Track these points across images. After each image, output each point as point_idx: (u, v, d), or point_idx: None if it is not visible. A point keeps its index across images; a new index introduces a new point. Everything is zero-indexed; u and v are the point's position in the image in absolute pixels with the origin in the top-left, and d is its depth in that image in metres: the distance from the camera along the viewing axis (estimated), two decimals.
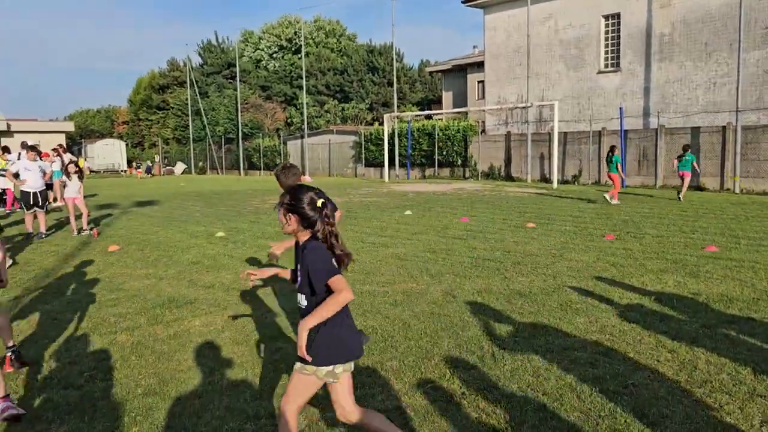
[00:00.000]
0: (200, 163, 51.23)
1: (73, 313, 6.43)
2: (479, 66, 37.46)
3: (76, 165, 12.90)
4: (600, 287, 7.00)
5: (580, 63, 28.55)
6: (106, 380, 4.54)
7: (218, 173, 48.57)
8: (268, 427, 3.73)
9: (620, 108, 25.10)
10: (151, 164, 51.83)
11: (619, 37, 27.15)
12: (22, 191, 11.99)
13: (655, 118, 25.36)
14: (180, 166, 52.62)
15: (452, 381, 4.37)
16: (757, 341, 5.04)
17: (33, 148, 12.98)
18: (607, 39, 27.77)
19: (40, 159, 13.39)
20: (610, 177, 17.37)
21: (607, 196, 16.47)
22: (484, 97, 34.29)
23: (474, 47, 45.30)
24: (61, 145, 22.19)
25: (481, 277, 7.65)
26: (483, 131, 31.92)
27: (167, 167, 53.70)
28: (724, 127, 21.76)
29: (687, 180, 17.64)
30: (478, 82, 39.45)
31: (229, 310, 6.34)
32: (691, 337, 5.18)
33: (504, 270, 8.01)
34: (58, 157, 18.88)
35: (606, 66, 27.88)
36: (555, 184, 24.05)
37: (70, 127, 53.49)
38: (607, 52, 27.84)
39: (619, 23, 27.13)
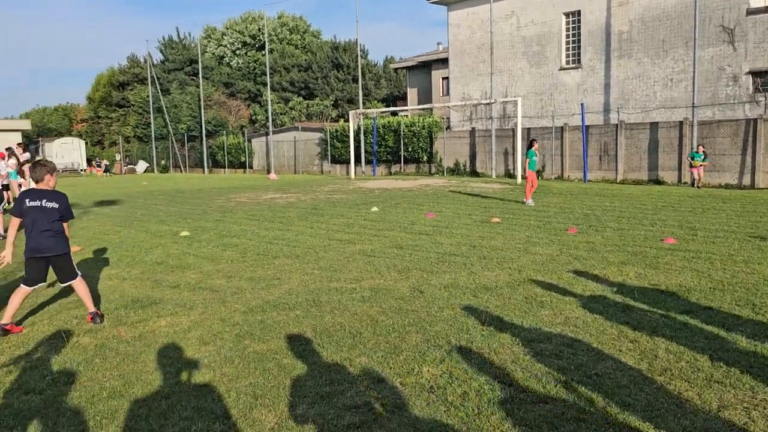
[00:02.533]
0: (163, 162, 50.37)
1: (32, 317, 6.28)
2: (443, 62, 37.67)
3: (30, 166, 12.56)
4: (564, 280, 7.13)
5: (543, 60, 28.94)
6: (69, 384, 4.45)
7: (182, 171, 47.84)
8: (237, 427, 3.71)
9: (581, 104, 25.53)
10: (108, 163, 50.72)
11: (579, 34, 27.60)
12: None
13: (615, 113, 25.87)
14: (142, 165, 51.65)
15: (420, 375, 4.41)
16: (714, 329, 5.21)
17: None
18: (568, 36, 28.21)
19: None
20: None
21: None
22: (448, 94, 34.52)
23: (438, 44, 45.56)
24: (20, 144, 21.56)
25: (447, 272, 7.72)
26: (448, 127, 32.13)
27: (129, 166, 52.66)
28: (681, 123, 22.32)
29: (700, 172, 20.06)
30: (443, 78, 39.67)
31: (196, 310, 6.27)
32: (651, 326, 5.32)
33: (470, 265, 8.10)
34: (13, 157, 18.33)
35: (567, 63, 28.32)
36: (519, 180, 24.35)
37: (26, 125, 51.91)
38: (568, 49, 28.28)
39: (579, 21, 27.58)
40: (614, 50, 26.34)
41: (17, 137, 43.12)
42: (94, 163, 54.13)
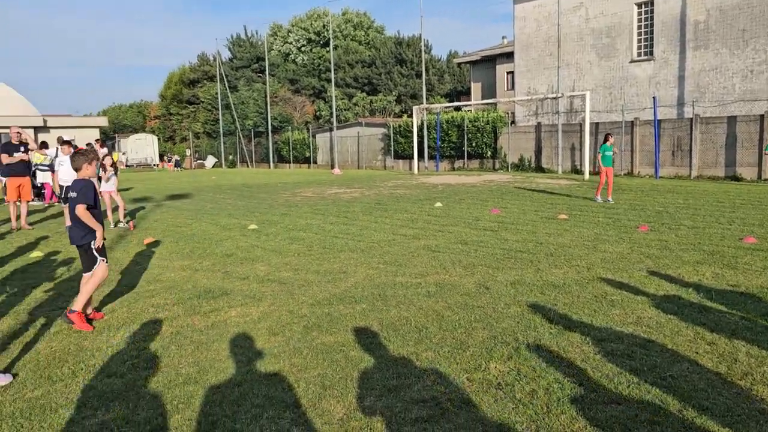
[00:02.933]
0: (230, 157, 51.76)
1: (112, 304, 6.59)
2: (508, 56, 37.09)
3: (111, 159, 13.14)
4: (635, 279, 6.92)
5: (612, 52, 28.09)
6: (147, 369, 4.65)
7: (248, 166, 49.04)
8: (306, 416, 3.79)
9: (653, 97, 24.65)
10: (179, 158, 52.50)
11: (652, 25, 26.63)
12: (59, 185, 12.28)
13: (689, 107, 24.86)
14: (211, 160, 53.23)
15: (487, 371, 4.38)
16: None
17: (68, 143, 13.27)
18: (639, 27, 27.27)
19: None
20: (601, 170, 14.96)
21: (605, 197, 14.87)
22: (513, 88, 33.98)
23: (503, 38, 44.84)
24: (98, 140, 22.61)
25: (513, 268, 7.62)
26: (513, 122, 31.66)
27: (198, 161, 54.38)
28: (762, 116, 21.22)
29: None
30: (508, 72, 39.07)
31: (265, 302, 6.43)
32: (730, 329, 5.10)
33: (537, 262, 7.97)
34: None
35: (639, 55, 27.39)
36: (587, 175, 23.75)
37: (103, 122, 54.33)
38: (639, 41, 27.34)
39: (652, 11, 26.61)
40: (689, 41, 25.29)
41: (95, 133, 45.24)
42: (165, 158, 56.18)
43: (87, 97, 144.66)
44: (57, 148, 15.10)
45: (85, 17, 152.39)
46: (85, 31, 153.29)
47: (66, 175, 12.31)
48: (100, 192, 14.37)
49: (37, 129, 43.22)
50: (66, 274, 8.11)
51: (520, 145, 29.61)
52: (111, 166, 12.68)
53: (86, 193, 5.76)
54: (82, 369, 4.70)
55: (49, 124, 45.33)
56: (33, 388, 4.35)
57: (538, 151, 28.83)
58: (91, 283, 5.82)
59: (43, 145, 18.16)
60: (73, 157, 5.95)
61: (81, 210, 5.72)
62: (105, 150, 21.00)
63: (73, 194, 5.80)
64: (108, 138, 59.86)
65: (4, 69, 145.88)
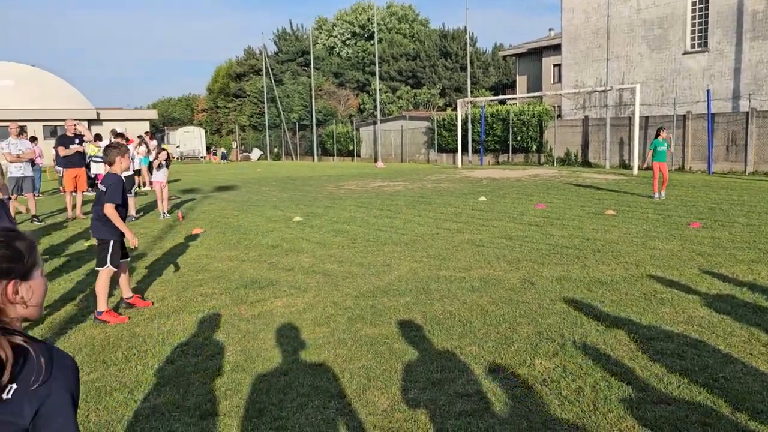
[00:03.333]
0: (275, 150, 52.42)
1: (162, 291, 6.77)
2: (555, 49, 36.48)
3: (166, 151, 13.45)
4: (686, 277, 6.74)
5: (664, 44, 27.32)
6: (196, 356, 4.77)
7: (292, 159, 49.58)
8: (351, 407, 3.83)
9: (707, 90, 23.88)
10: (225, 151, 53.42)
11: (707, 15, 25.77)
12: None
13: (745, 100, 23.99)
14: (256, 153, 54.01)
15: (533, 367, 4.35)
16: None
17: (121, 135, 13.66)
18: (693, 18, 26.43)
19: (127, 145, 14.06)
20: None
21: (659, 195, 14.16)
22: (560, 81, 33.41)
23: (550, 30, 44.10)
24: (147, 132, 23.20)
25: (559, 264, 7.52)
26: (559, 116, 31.14)
27: (244, 153, 55.24)
28: None
29: None
30: (554, 65, 38.44)
31: (310, 293, 6.51)
32: None
33: (583, 258, 7.84)
34: (143, 144, 19.76)
35: (692, 46, 26.55)
36: (635, 171, 23.20)
37: (153, 115, 55.73)
38: (693, 32, 26.50)
39: (707, 1, 25.74)
40: (746, 32, 24.38)
41: (145, 126, 46.42)
42: (212, 150, 57.27)
43: (137, 91, 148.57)
44: (110, 140, 15.54)
45: (136, 13, 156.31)
46: (137, 26, 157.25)
47: None
48: (151, 182, 14.80)
49: (90, 122, 44.61)
50: None
51: (566, 139, 29.10)
52: (165, 160, 12.98)
53: (115, 190, 5.74)
54: (134, 354, 4.85)
55: (101, 117, 46.73)
56: (89, 372, 4.51)
57: (585, 146, 28.29)
58: (98, 285, 5.75)
59: (97, 137, 18.72)
60: (105, 151, 5.93)
61: (110, 210, 5.69)
62: (154, 142, 21.53)
63: (102, 188, 5.79)
64: (157, 130, 61.34)
65: (60, 64, 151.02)
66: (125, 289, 6.13)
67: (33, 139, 17.28)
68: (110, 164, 5.88)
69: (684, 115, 24.36)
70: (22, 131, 13.04)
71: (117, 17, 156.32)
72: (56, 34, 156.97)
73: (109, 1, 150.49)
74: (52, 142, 19.22)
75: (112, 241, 5.81)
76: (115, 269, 5.89)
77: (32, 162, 13.40)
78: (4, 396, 1.38)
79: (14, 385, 1.39)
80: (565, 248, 8.48)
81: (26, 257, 1.50)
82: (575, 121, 29.29)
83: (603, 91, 26.86)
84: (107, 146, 6.08)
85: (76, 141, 13.22)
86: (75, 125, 13.46)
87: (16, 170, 12.25)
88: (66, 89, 50.66)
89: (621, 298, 5.97)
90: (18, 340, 1.42)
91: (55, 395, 1.42)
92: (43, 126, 42.54)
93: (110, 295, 6.00)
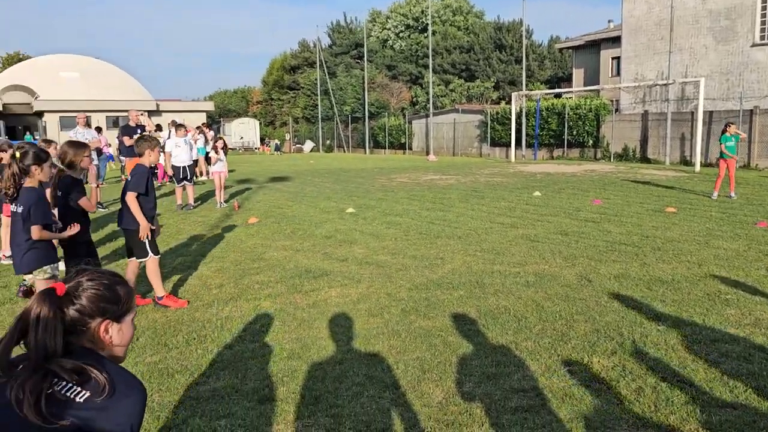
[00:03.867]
0: (327, 142, 52.88)
1: (220, 279, 6.94)
2: (614, 41, 35.51)
3: (223, 140, 13.75)
4: (753, 278, 6.48)
5: (731, 35, 26.22)
6: (254, 342, 4.87)
7: (344, 151, 49.91)
8: (405, 398, 3.85)
9: None
10: (279, 142, 54.20)
11: None
12: (172, 165, 13.02)
13: None
14: (308, 144, 54.61)
15: (590, 365, 4.27)
16: None
17: (181, 126, 14.03)
18: (764, 8, 25.26)
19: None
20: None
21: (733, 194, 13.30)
22: (619, 74, 32.52)
23: (609, 21, 42.90)
24: (204, 123, 23.76)
25: (617, 261, 7.34)
26: (617, 110, 30.32)
27: (297, 145, 55.93)
28: None
29: None
30: (613, 58, 37.41)
31: (363, 284, 6.55)
32: None
33: (642, 255, 7.63)
34: (202, 135, 20.24)
35: (762, 38, 25.40)
36: (698, 167, 22.41)
37: (210, 106, 56.99)
38: (763, 23, 25.34)
39: None
40: None
41: (202, 117, 47.50)
42: (265, 142, 58.20)
43: (195, 83, 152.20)
44: (170, 131, 15.98)
45: (195, 7, 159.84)
46: (196, 20, 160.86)
47: (179, 156, 13.03)
48: (211, 173, 15.15)
49: (150, 113, 45.92)
50: (182, 240, 8.61)
51: (624, 134, 28.32)
52: (222, 148, 13.27)
53: (140, 181, 5.74)
54: (194, 338, 4.99)
55: (161, 108, 48.04)
56: (152, 354, 4.67)
57: (644, 141, 27.47)
58: (150, 275, 5.83)
59: (158, 128, 19.29)
60: (137, 142, 5.96)
61: (130, 198, 5.68)
62: (212, 133, 22.02)
63: (129, 177, 5.82)
64: (213, 122, 62.73)
65: (122, 56, 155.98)
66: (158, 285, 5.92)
67: (98, 129, 17.92)
68: (140, 155, 5.90)
69: (751, 110, 23.35)
70: (88, 122, 13.54)
71: (177, 10, 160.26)
72: (119, 27, 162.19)
73: None
74: (114, 131, 19.92)
75: (132, 227, 5.77)
76: (158, 255, 5.92)
77: (98, 151, 13.90)
78: (78, 399, 1.47)
79: (87, 393, 1.48)
80: (624, 245, 8.27)
81: (123, 302, 1.63)
82: (634, 115, 28.47)
83: (665, 84, 25.99)
84: (138, 138, 6.10)
85: (139, 131, 13.64)
86: (138, 116, 13.89)
87: None
88: (127, 81, 52.33)
89: (683, 298, 5.79)
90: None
91: (116, 412, 1.49)
92: (106, 116, 44.05)
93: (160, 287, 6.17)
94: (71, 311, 1.55)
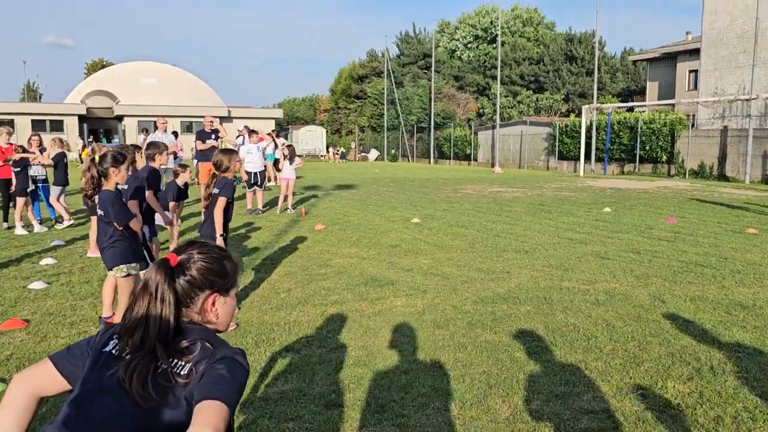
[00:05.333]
0: (392, 151, 53.16)
1: (288, 283, 7.07)
2: (692, 54, 34.30)
3: (292, 147, 14.06)
4: None
5: None
6: (321, 347, 4.94)
7: (409, 161, 50.04)
8: (472, 412, 3.81)
9: None
10: (344, 150, 54.89)
11: None
12: (245, 171, 13.39)
13: None
14: (373, 153, 55.05)
15: (665, 390, 4.11)
16: None
17: (254, 132, 14.42)
18: None
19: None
20: None
21: None
22: (696, 88, 31.39)
23: (687, 33, 41.47)
24: (274, 130, 24.32)
25: (693, 283, 7.06)
26: (693, 125, 29.21)
27: (362, 153, 56.48)
28: None
29: None
30: (690, 71, 36.16)
31: (429, 294, 6.54)
32: None
33: (721, 278, 7.31)
34: (272, 141, 20.73)
35: None
36: None
37: (279, 114, 58.36)
38: None
39: None
40: None
41: (271, 124, 48.68)
42: (331, 149, 59.07)
43: (265, 91, 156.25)
44: (244, 137, 16.44)
45: (267, 17, 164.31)
46: (269, 28, 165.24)
47: (252, 162, 13.39)
48: (280, 178, 15.50)
49: (222, 119, 47.42)
50: (251, 244, 8.84)
51: (701, 151, 27.24)
52: (291, 155, 13.55)
53: (154, 182, 6.41)
54: (263, 341, 5.10)
55: (232, 115, 49.54)
56: None
57: (722, 158, 26.33)
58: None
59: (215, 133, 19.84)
60: (148, 146, 6.46)
61: (149, 195, 6.31)
62: (282, 140, 22.52)
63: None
64: (282, 129, 64.15)
65: (197, 64, 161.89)
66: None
67: (175, 134, 18.63)
68: (150, 159, 6.42)
69: None
70: (165, 127, 14.13)
71: (251, 20, 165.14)
72: (194, 35, 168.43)
73: (246, 4, 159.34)
74: (187, 136, 20.63)
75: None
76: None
77: (174, 155, 14.45)
78: (184, 373, 1.52)
79: (194, 367, 1.53)
80: (700, 266, 7.95)
81: (230, 276, 1.69)
82: (712, 131, 27.36)
83: (747, 99, 24.89)
84: (149, 143, 6.56)
85: (212, 136, 14.10)
86: (212, 121, 14.36)
87: None
88: (201, 87, 54.24)
89: (765, 324, 5.51)
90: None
91: (222, 386, 1.49)
92: (180, 121, 45.76)
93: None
94: (182, 282, 1.60)
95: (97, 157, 5.26)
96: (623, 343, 5.02)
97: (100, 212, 5.12)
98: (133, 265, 5.25)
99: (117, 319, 5.39)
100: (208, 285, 1.63)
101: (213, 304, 1.65)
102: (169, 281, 1.57)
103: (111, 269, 5.20)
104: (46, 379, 1.62)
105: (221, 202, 5.79)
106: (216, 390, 1.45)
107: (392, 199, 16.85)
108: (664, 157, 28.67)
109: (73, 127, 44.73)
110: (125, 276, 5.17)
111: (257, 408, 3.87)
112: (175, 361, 1.52)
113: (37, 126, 42.63)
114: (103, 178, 5.18)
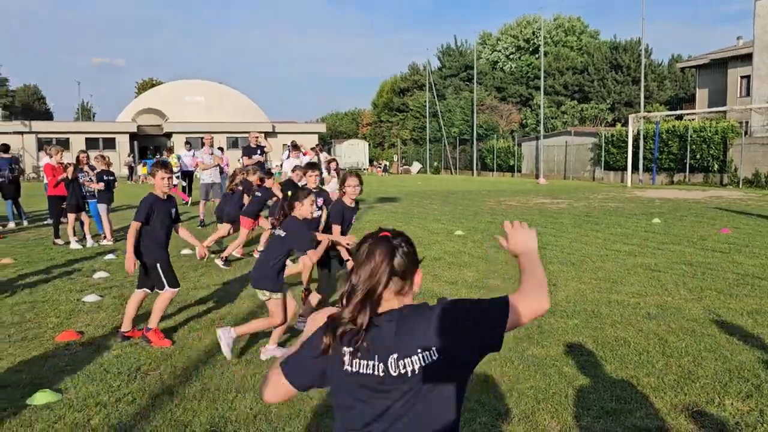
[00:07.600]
0: (435, 163, 53.06)
1: (335, 295, 7.09)
2: (743, 59, 33.32)
3: (336, 161, 14.17)
4: None
5: None
6: None
7: (452, 173, 49.86)
8: (518, 427, 3.74)
9: None
10: (387, 163, 55.07)
11: None
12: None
13: None
14: (416, 166, 55.05)
15: (722, 408, 3.96)
16: None
17: (296, 147, 14.61)
18: None
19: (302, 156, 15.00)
20: None
21: None
22: (749, 94, 30.45)
23: (738, 38, 40.30)
24: (317, 145, 24.58)
25: (750, 296, 6.80)
26: (747, 133, 28.28)
27: (404, 166, 56.55)
28: None
29: None
30: (742, 77, 35.10)
31: None
32: None
33: None
34: (315, 156, 20.94)
35: None
36: None
37: (322, 128, 59.03)
38: None
39: None
40: None
41: (314, 139, 49.25)
42: (374, 163, 59.36)
43: (309, 106, 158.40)
44: (288, 152, 16.66)
45: (310, 33, 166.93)
46: (313, 45, 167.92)
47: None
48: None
49: (266, 134, 48.25)
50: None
51: (755, 159, 26.34)
52: (335, 170, 13.67)
53: (141, 209, 5.49)
54: None
55: (276, 130, 50.34)
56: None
57: None
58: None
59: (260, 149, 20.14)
60: (153, 166, 5.79)
61: (132, 226, 5.48)
62: (325, 154, 22.74)
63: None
64: (325, 143, 64.82)
65: (243, 81, 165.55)
66: (128, 320, 5.68)
67: (221, 149, 19.02)
68: (153, 176, 5.66)
69: None
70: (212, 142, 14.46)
71: (294, 37, 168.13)
72: (241, 54, 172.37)
73: (289, 21, 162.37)
74: (233, 152, 21.02)
75: (159, 263, 5.55)
76: (175, 288, 5.69)
77: (221, 169, 14.76)
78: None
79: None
80: (758, 279, 7.65)
81: (417, 253, 1.95)
82: (767, 138, 26.43)
83: None
84: (155, 162, 5.97)
85: (258, 152, 14.34)
86: (257, 137, 14.61)
87: (207, 177, 13.55)
88: (246, 104, 55.36)
89: None
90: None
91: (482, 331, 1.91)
92: (226, 137, 46.72)
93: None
94: (398, 258, 1.85)
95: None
96: (677, 359, 4.86)
97: (281, 234, 5.20)
98: (269, 294, 5.22)
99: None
100: (417, 263, 1.97)
101: (419, 275, 1.99)
102: (388, 253, 1.89)
103: (255, 288, 5.30)
104: None
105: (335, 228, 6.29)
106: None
107: (435, 211, 16.80)
108: (716, 166, 27.83)
109: (124, 145, 46.16)
110: (266, 299, 5.27)
111: (303, 419, 3.87)
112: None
113: (91, 144, 44.09)
114: (290, 210, 5.26)
